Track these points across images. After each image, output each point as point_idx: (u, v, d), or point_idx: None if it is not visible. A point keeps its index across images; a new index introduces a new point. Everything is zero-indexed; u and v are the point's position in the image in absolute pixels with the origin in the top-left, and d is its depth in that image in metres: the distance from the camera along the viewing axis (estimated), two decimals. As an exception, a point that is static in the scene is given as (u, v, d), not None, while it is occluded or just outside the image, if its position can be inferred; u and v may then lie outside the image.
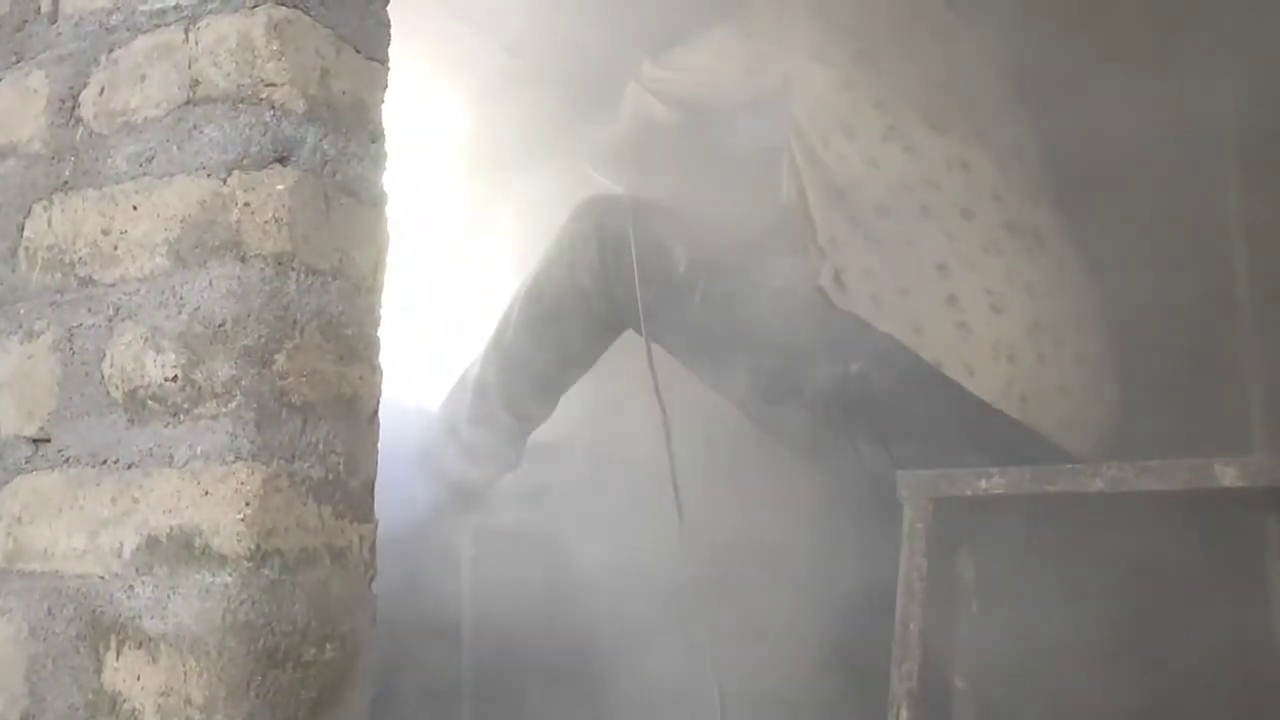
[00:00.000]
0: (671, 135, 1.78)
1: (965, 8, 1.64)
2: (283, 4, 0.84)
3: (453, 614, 1.46)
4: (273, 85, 0.84)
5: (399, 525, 1.22)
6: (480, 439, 1.70)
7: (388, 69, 0.95)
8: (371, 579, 0.88)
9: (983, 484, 1.23)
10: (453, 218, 2.23)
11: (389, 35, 0.95)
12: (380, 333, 0.91)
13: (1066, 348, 1.35)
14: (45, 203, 0.91)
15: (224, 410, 0.80)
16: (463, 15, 2.03)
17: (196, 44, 0.86)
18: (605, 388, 1.71)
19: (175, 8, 0.87)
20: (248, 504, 0.78)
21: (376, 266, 0.91)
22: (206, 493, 0.79)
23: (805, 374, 1.41)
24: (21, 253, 0.91)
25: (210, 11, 0.86)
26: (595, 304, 1.62)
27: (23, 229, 0.92)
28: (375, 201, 0.91)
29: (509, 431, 1.68)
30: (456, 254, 2.19)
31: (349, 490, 0.86)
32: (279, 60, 0.84)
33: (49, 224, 0.90)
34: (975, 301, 1.32)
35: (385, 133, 0.93)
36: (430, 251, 2.13)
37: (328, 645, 0.82)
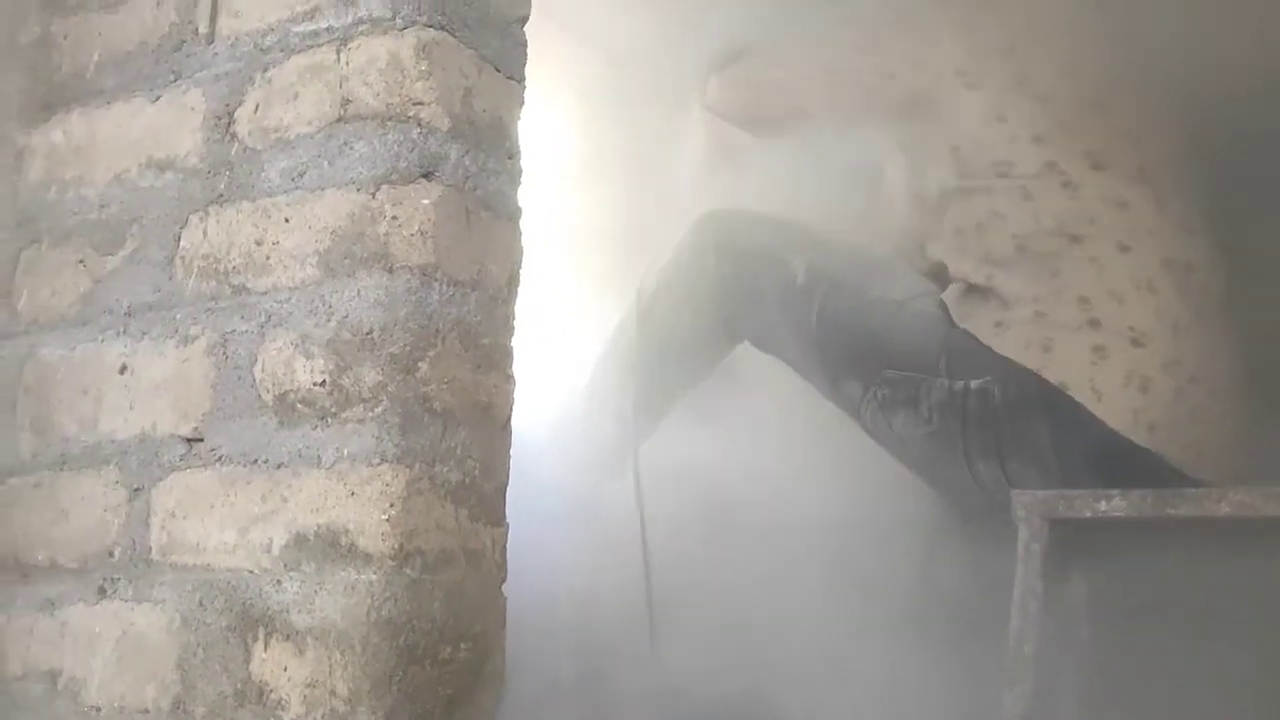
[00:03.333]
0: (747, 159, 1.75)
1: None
2: (430, 26, 0.88)
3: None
4: (420, 104, 0.87)
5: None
6: (589, 450, 1.73)
7: (524, 87, 0.98)
8: (502, 581, 0.91)
9: (1102, 506, 1.21)
10: (561, 230, 2.27)
11: (525, 55, 0.98)
12: (513, 342, 0.94)
13: (1202, 383, 1.31)
14: (201, 214, 0.96)
15: (370, 415, 0.83)
16: (564, 24, 2.06)
17: (348, 64, 0.90)
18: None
19: (327, 29, 0.91)
20: (392, 505, 0.81)
21: (511, 279, 0.94)
22: (353, 493, 0.83)
23: (923, 387, 1.40)
24: (178, 261, 0.96)
25: (361, 33, 0.90)
26: (712, 316, 1.65)
27: (179, 239, 0.97)
28: (511, 216, 0.94)
29: (618, 441, 1.71)
30: (567, 267, 2.22)
31: (484, 494, 0.89)
32: (426, 80, 0.87)
33: (204, 234, 0.95)
34: (1117, 333, 1.29)
35: (521, 149, 0.97)
36: (540, 264, 2.17)
37: (462, 644, 0.85)
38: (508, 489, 0.92)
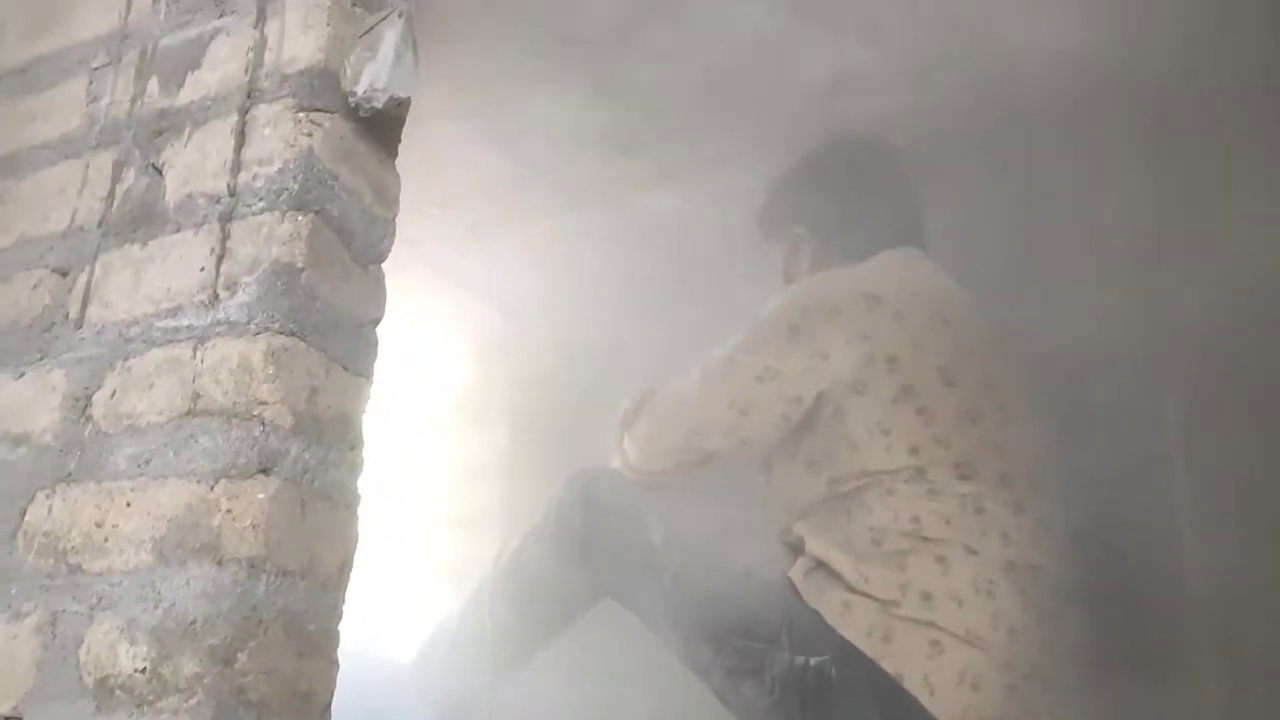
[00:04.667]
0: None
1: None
2: (282, 333, 0.95)
3: None
4: (265, 404, 0.94)
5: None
6: (452, 691, 1.75)
7: (372, 382, 1.05)
8: None
9: (925, 785, 1.26)
10: (441, 466, 2.34)
11: (376, 352, 1.06)
12: (341, 627, 0.97)
13: (1037, 679, 1.36)
14: (48, 491, 0.99)
15: (184, 705, 0.86)
16: (459, 279, 2.19)
17: (202, 361, 0.97)
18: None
19: (188, 327, 0.99)
20: (196, 801, 0.83)
21: (343, 565, 0.98)
22: (159, 787, 0.84)
23: (767, 657, 1.45)
24: (20, 536, 0.99)
25: (218, 334, 0.97)
26: (576, 571, 1.70)
27: (25, 514, 1.00)
28: (349, 504, 1.00)
29: (480, 685, 1.73)
30: (443, 506, 2.27)
31: (295, 785, 0.90)
32: (273, 382, 0.94)
33: (49, 512, 0.98)
34: (953, 633, 1.34)
35: (364, 440, 1.03)
36: (416, 503, 2.22)
37: None
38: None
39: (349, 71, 0.99)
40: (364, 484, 1.02)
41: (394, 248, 1.97)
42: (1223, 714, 1.62)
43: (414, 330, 2.23)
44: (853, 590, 1.39)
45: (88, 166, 1.12)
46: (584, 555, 1.70)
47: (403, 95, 0.98)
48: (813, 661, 1.39)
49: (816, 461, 1.51)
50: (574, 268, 2.11)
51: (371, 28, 0.96)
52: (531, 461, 2.20)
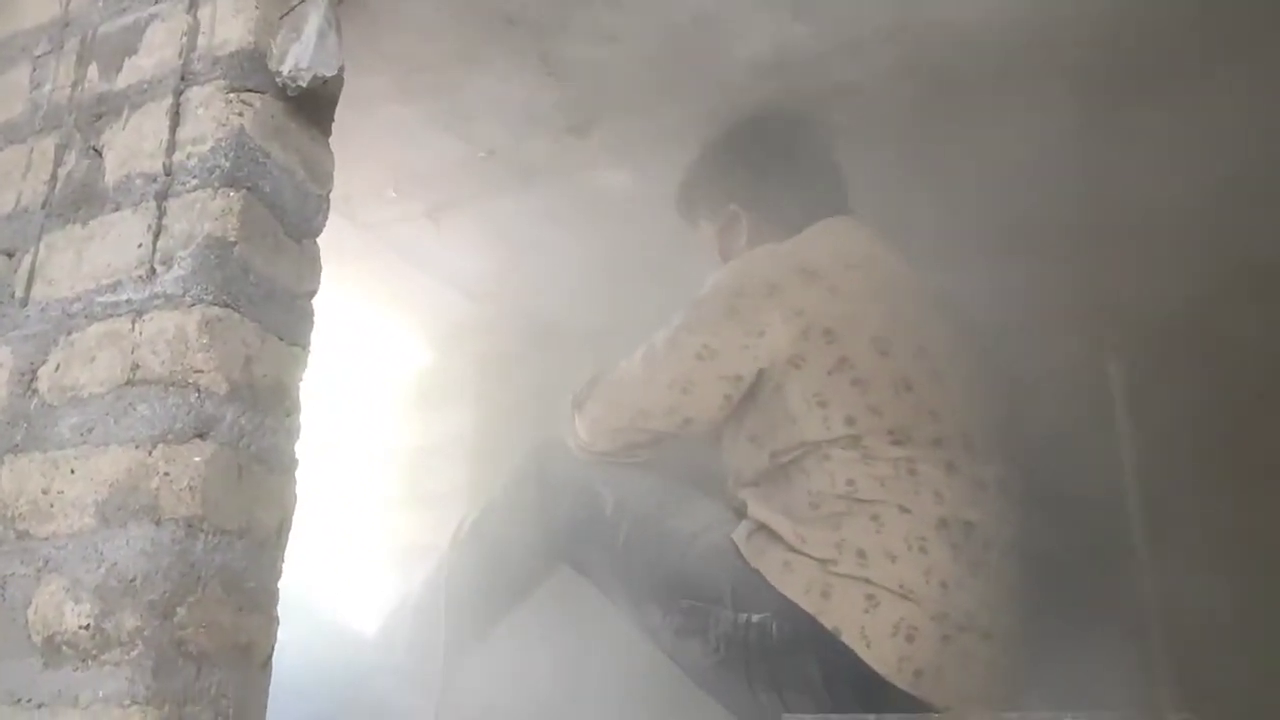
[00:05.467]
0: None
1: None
2: (216, 304, 0.99)
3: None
4: (200, 372, 0.98)
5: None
6: (415, 662, 1.79)
7: (308, 351, 1.09)
8: (254, 819, 0.96)
9: (862, 732, 1.31)
10: (405, 446, 2.38)
11: (312, 324, 1.10)
12: (280, 584, 1.02)
13: (972, 630, 1.40)
14: (-2, 462, 1.04)
15: (126, 658, 0.90)
16: (424, 266, 2.23)
17: (140, 334, 1.01)
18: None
19: (127, 301, 1.03)
20: (138, 746, 0.87)
21: (281, 526, 1.03)
22: (103, 734, 0.88)
23: (712, 616, 1.50)
24: (-29, 506, 1.03)
25: (155, 307, 1.01)
26: (533, 540, 1.75)
27: (-25, 484, 1.04)
28: (286, 468, 1.04)
29: (444, 656, 1.77)
30: (407, 485, 2.31)
31: (237, 732, 0.95)
32: (207, 351, 0.98)
33: (-2, 481, 1.03)
34: (887, 587, 1.38)
35: (301, 405, 1.07)
36: (380, 482, 2.26)
37: None
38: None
39: (275, 52, 1.03)
40: (305, 450, 1.07)
41: (356, 232, 2.02)
42: (1165, 666, 1.67)
43: (377, 312, 2.27)
44: (792, 550, 1.44)
45: (31, 151, 1.16)
46: (540, 525, 1.75)
47: (326, 74, 1.02)
48: (755, 619, 1.44)
49: (759, 436, 1.55)
50: (533, 246, 2.15)
51: (294, 8, 1.00)
52: (494, 440, 2.24)
